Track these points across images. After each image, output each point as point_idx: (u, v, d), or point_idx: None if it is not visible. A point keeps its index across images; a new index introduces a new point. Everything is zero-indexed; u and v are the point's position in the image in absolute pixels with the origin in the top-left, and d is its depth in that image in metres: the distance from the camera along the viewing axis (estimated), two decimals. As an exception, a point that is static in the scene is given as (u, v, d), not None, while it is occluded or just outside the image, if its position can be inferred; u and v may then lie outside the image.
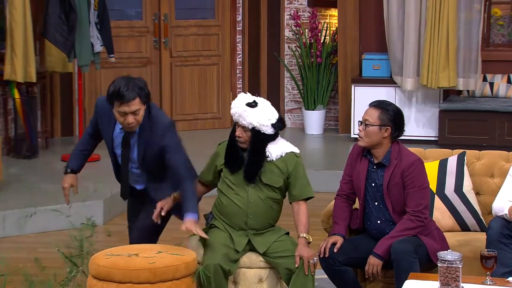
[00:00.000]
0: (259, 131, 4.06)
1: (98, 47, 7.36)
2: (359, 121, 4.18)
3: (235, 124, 4.13)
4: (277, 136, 4.13)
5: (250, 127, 4.05)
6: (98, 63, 7.45)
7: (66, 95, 8.09)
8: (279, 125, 4.10)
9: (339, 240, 4.13)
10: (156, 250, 3.85)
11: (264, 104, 4.10)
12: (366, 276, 4.12)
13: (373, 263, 4.04)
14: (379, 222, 4.17)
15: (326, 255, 4.09)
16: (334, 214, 4.27)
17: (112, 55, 7.51)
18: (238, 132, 4.08)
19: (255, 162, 4.08)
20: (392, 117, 4.10)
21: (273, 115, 4.09)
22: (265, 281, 4.07)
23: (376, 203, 4.17)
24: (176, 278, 3.72)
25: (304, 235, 4.06)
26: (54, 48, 7.23)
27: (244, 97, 4.12)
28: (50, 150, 7.73)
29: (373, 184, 4.16)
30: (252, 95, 4.17)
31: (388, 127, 4.10)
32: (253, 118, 4.04)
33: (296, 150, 4.19)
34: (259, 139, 4.07)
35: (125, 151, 4.07)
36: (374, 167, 4.17)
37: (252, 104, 4.06)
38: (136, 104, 3.92)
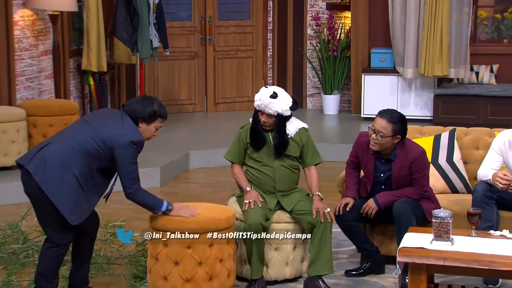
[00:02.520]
0: (282, 115, 4.01)
1: (156, 43, 7.38)
2: (371, 128, 4.00)
3: (256, 112, 4.05)
4: (292, 116, 4.09)
5: (276, 114, 3.99)
6: (156, 56, 7.48)
7: (130, 83, 8.11)
8: (295, 107, 4.03)
9: (351, 201, 4.10)
10: (203, 207, 3.86)
11: (281, 92, 4.01)
12: (361, 212, 4.05)
13: (371, 205, 4.02)
14: None
15: (340, 213, 4.08)
16: (346, 180, 4.24)
17: (167, 50, 7.56)
18: (264, 118, 4.00)
19: (282, 142, 4.03)
20: (401, 127, 3.99)
21: (289, 100, 4.02)
22: (291, 233, 4.06)
23: (383, 187, 4.11)
24: (219, 230, 3.72)
25: (318, 193, 4.06)
26: (121, 44, 7.26)
27: (266, 91, 4.02)
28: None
29: (381, 175, 4.09)
30: (273, 84, 4.08)
31: (399, 135, 4.01)
32: (277, 107, 3.97)
33: (305, 125, 4.13)
34: (282, 121, 4.03)
35: None
36: (383, 161, 4.08)
37: (274, 95, 3.98)
38: None
